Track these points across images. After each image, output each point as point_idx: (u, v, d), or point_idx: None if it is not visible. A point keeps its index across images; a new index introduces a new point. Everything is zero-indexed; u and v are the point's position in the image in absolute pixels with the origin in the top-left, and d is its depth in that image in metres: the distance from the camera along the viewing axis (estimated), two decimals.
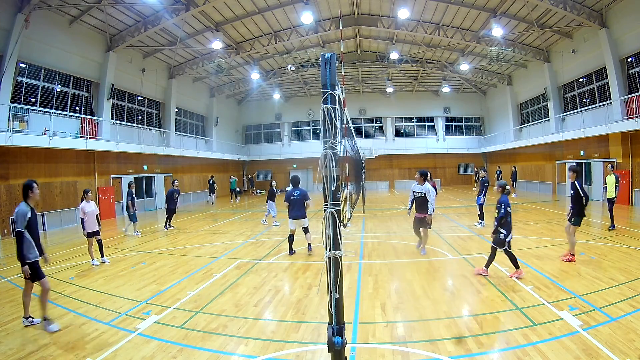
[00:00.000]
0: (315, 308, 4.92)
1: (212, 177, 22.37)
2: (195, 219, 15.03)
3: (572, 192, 6.74)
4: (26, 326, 4.50)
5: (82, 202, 7.84)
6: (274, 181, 13.29)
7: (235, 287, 5.94)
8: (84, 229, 7.74)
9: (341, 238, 2.69)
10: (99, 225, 7.87)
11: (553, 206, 15.27)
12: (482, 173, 11.75)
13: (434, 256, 7.64)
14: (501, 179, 12.29)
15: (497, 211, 5.83)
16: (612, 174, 9.98)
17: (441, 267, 6.87)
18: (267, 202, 12.61)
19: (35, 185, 4.66)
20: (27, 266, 4.39)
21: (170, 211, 12.58)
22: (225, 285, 6.07)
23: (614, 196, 9.87)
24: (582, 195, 6.57)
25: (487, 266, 5.99)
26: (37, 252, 4.54)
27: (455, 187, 28.17)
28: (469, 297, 5.16)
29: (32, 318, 4.58)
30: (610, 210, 9.78)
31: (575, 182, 6.65)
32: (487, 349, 3.68)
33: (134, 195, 11.56)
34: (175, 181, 13.37)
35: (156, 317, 4.74)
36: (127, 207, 11.38)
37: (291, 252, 8.04)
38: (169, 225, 12.57)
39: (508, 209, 5.72)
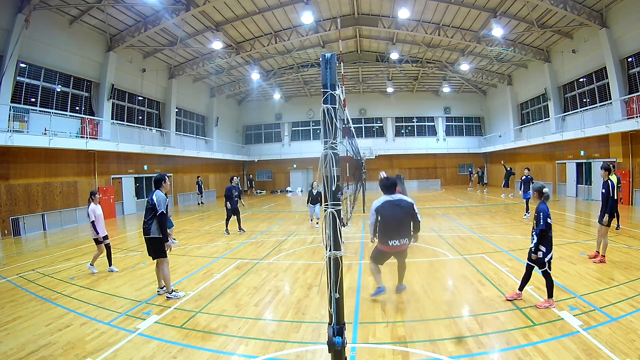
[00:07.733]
0: (316, 308, 4.92)
1: (198, 177, 22.85)
2: (195, 219, 15.03)
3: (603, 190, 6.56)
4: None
5: (90, 204, 7.07)
6: (315, 182, 12.17)
7: (235, 287, 5.94)
8: (98, 233, 6.99)
9: (341, 238, 2.69)
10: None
11: (553, 206, 15.26)
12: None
13: (434, 256, 7.64)
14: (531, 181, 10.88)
15: (535, 222, 4.71)
16: (614, 175, 9.94)
17: (441, 267, 6.87)
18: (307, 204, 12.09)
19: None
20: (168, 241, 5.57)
21: (230, 212, 11.11)
22: (225, 285, 6.07)
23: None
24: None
25: (520, 289, 4.90)
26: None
27: (456, 187, 28.18)
28: (469, 297, 5.16)
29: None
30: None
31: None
32: (487, 349, 3.68)
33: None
34: (235, 177, 11.61)
35: (156, 317, 4.75)
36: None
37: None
38: (240, 229, 11.26)
39: (548, 220, 4.52)
